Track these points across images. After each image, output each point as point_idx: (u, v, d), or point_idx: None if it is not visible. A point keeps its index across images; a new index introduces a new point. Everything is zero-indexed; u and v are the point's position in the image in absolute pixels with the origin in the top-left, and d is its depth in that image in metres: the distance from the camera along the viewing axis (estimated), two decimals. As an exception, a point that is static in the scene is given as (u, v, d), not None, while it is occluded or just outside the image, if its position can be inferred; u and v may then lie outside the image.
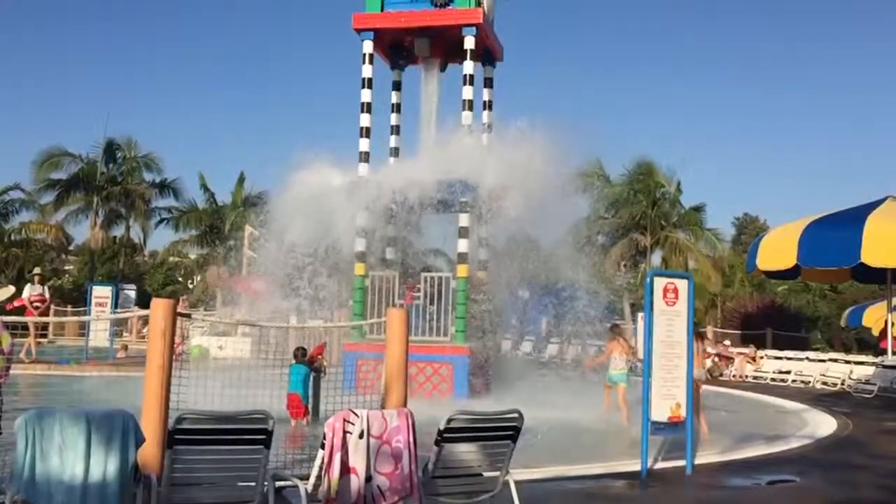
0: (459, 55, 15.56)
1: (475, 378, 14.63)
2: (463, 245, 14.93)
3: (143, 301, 22.61)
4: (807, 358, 22.64)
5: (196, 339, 23.18)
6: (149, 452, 5.48)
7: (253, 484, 5.19)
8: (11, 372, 7.10)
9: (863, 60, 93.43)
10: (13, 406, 7.37)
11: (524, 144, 14.73)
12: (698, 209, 39.64)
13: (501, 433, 5.73)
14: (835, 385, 20.11)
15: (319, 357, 12.03)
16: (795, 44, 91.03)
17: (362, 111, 15.57)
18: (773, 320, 29.82)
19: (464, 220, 14.94)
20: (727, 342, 25.43)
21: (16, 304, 20.32)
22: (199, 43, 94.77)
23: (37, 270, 23.61)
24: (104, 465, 4.65)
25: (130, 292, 26.69)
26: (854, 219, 19.75)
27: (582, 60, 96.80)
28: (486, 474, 5.86)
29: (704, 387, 12.16)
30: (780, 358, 23.20)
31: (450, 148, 15.00)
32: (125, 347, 24.31)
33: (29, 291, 20.40)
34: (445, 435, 5.50)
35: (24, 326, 19.21)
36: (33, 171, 41.15)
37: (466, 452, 5.71)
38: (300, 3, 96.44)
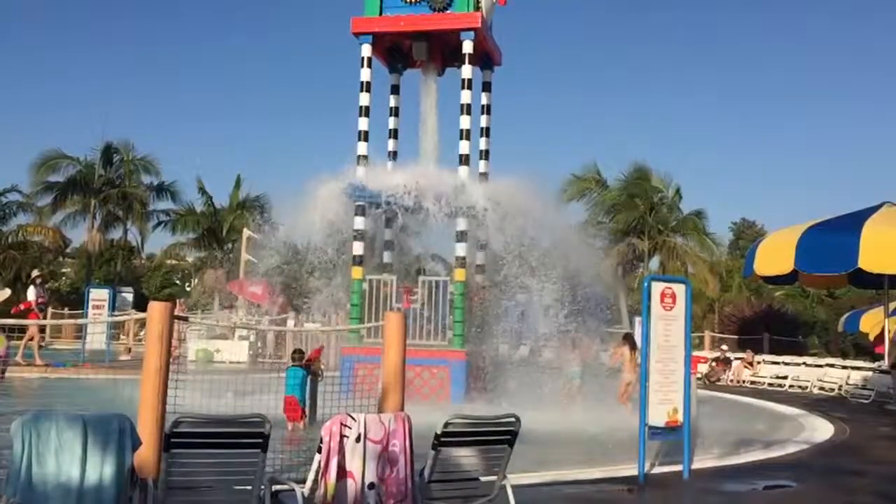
0: (458, 59, 15.56)
1: (472, 382, 14.60)
2: (461, 249, 14.92)
3: (141, 304, 22.62)
4: (804, 363, 22.64)
5: (193, 342, 23.18)
6: (145, 456, 5.47)
7: (249, 488, 5.18)
8: (7, 374, 7.09)
9: (861, 65, 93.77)
10: (10, 408, 7.36)
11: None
12: (697, 214, 39.65)
13: (499, 437, 5.71)
14: (832, 390, 20.10)
15: (317, 360, 12.01)
16: (794, 49, 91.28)
17: (360, 115, 15.53)
18: (770, 325, 29.83)
19: (461, 223, 14.93)
20: (724, 347, 25.40)
21: (22, 307, 20.29)
22: (197, 45, 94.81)
23: (35, 272, 23.59)
24: (100, 469, 4.64)
25: (128, 295, 26.70)
26: (851, 224, 19.75)
27: (579, 64, 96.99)
28: (483, 478, 5.84)
29: (702, 391, 12.32)
30: (777, 363, 23.19)
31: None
32: (128, 350, 24.29)
33: (34, 294, 20.33)
34: (442, 439, 5.49)
35: (22, 329, 19.19)
36: (31, 174, 41.20)
37: (463, 456, 5.70)
38: (299, 6, 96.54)
